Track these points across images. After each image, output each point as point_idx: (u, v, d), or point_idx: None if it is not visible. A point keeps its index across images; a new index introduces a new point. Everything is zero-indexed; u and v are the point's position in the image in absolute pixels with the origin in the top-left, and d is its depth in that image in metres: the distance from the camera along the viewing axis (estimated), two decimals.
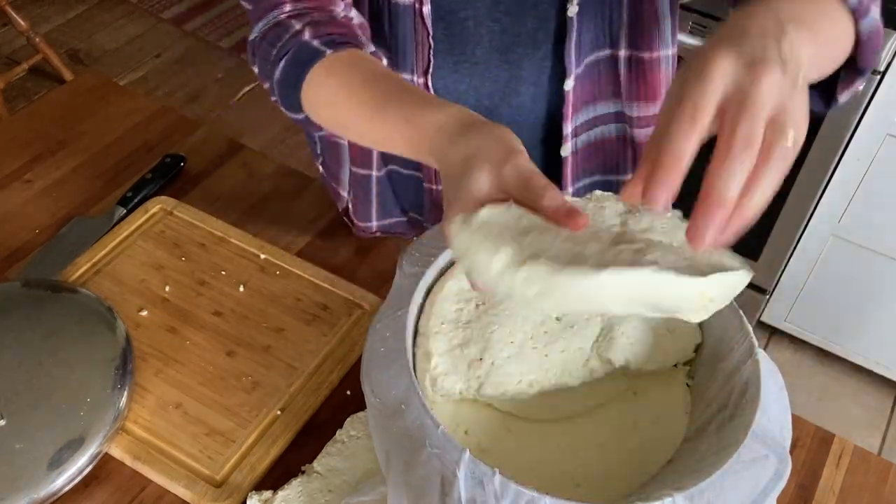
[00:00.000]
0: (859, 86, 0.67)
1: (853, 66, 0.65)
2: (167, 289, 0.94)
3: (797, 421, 0.86)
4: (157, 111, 1.20)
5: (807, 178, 1.70)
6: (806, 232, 1.80)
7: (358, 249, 1.05)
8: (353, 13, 0.80)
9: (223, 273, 0.96)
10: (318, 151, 1.06)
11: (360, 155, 0.98)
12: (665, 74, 0.92)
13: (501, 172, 0.52)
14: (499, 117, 0.95)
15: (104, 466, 0.81)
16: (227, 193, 1.10)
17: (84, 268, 0.96)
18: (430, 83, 0.88)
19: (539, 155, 0.99)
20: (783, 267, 1.88)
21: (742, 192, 0.45)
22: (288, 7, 0.77)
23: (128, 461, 0.81)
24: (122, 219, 1.03)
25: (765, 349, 2.05)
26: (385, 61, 0.76)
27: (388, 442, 0.62)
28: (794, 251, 1.85)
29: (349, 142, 0.98)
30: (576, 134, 0.96)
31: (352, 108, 0.70)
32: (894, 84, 1.51)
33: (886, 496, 0.84)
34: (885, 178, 1.65)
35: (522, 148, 0.55)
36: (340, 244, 1.05)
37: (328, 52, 0.72)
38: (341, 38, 0.73)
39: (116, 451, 0.81)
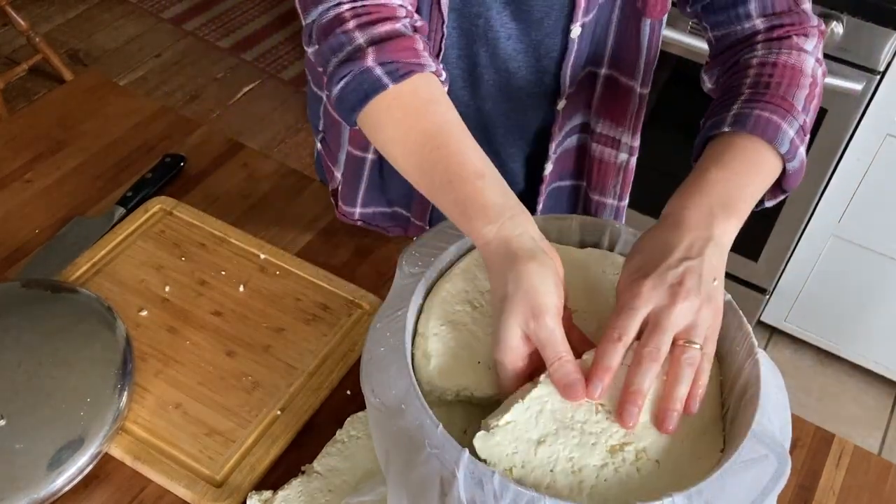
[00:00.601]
0: (782, 197, 0.77)
1: (778, 185, 0.75)
2: (167, 289, 0.94)
3: (797, 421, 0.86)
4: (156, 111, 1.20)
5: (807, 178, 1.69)
6: (806, 232, 1.80)
7: (358, 249, 1.05)
8: None
9: (223, 273, 0.96)
10: (321, 128, 1.06)
11: (359, 136, 0.98)
12: (632, 106, 0.94)
13: (528, 329, 0.61)
14: (493, 130, 0.95)
15: (104, 466, 0.81)
16: (227, 193, 1.10)
17: (84, 268, 0.96)
18: None
19: (522, 174, 1.01)
20: (783, 267, 1.88)
21: (667, 389, 0.61)
22: None
23: (128, 461, 0.81)
24: (122, 219, 1.03)
25: (765, 349, 2.05)
26: (444, 75, 0.74)
27: (387, 442, 0.62)
28: (794, 251, 1.85)
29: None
30: (555, 151, 0.97)
31: (407, 170, 0.71)
32: (894, 84, 1.52)
33: (886, 496, 0.84)
34: (885, 178, 1.64)
35: (552, 300, 0.61)
36: (340, 244, 1.05)
37: (390, 85, 0.69)
38: (405, 68, 0.70)
39: (116, 451, 0.81)
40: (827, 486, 0.84)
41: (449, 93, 0.73)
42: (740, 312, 0.67)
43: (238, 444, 0.81)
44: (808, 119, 0.75)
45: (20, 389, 0.80)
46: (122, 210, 1.04)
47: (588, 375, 0.60)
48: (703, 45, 1.58)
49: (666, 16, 0.87)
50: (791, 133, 0.71)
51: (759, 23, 0.79)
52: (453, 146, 0.68)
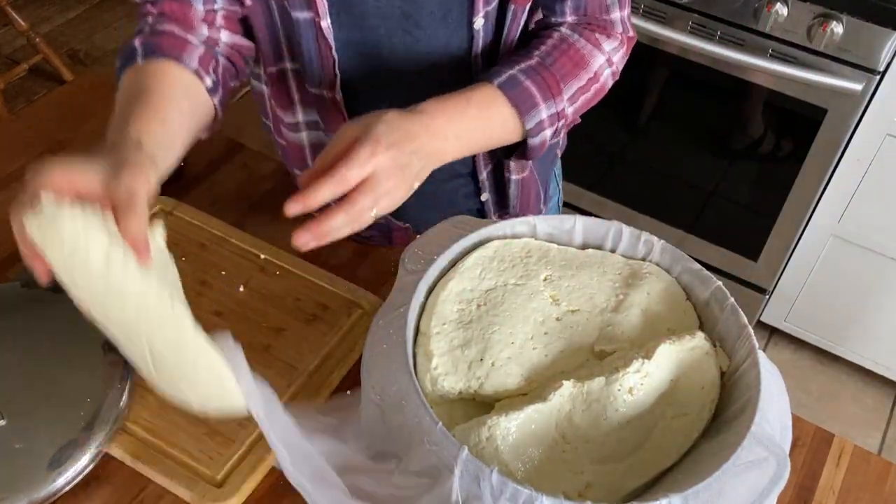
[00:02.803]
0: (524, 161, 0.87)
1: (521, 150, 0.84)
2: None
3: (797, 421, 0.86)
4: None
5: (807, 178, 1.70)
6: (806, 232, 1.80)
7: (358, 249, 1.05)
8: (223, 35, 0.84)
9: (223, 273, 0.96)
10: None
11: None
12: None
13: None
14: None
15: (104, 466, 0.81)
16: (227, 193, 1.10)
17: None
18: (337, 97, 0.89)
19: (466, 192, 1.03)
20: (783, 267, 1.88)
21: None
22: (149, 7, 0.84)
23: (128, 461, 0.81)
24: None
25: (765, 349, 2.05)
26: (209, 83, 0.82)
27: (387, 438, 0.62)
28: (794, 251, 1.85)
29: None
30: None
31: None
32: (894, 84, 1.52)
33: (886, 496, 0.84)
34: (885, 178, 1.65)
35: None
36: (340, 244, 1.04)
37: (140, 61, 0.80)
38: (160, 49, 0.80)
39: (116, 451, 0.81)
40: (827, 485, 0.84)
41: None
42: (741, 312, 0.67)
43: (238, 444, 0.81)
44: (572, 109, 0.84)
45: (20, 389, 0.80)
46: None
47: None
48: (702, 45, 1.58)
49: (528, 4, 0.88)
50: (544, 115, 0.81)
51: (571, 19, 0.86)
52: (147, 98, 0.77)
